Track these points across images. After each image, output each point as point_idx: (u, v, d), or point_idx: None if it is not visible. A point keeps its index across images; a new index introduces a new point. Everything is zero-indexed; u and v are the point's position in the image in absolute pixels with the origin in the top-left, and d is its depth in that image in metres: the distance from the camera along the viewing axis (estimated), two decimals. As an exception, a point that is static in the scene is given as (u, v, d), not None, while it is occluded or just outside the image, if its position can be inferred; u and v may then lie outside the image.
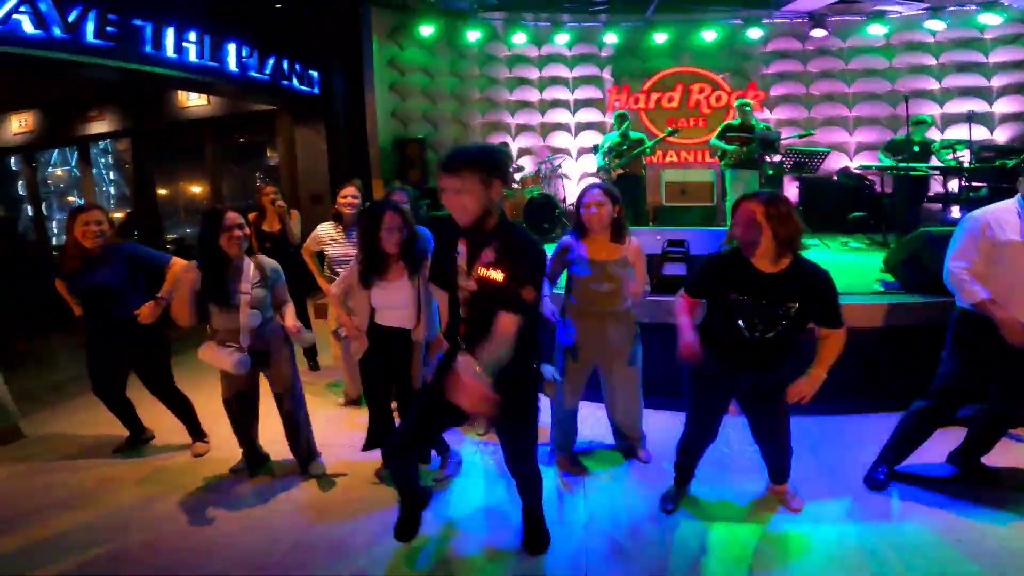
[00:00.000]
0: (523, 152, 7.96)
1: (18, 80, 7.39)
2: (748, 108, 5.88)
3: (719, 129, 5.98)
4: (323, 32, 7.35)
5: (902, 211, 5.31)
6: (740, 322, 2.12)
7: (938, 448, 2.76)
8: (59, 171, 10.17)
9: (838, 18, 7.13)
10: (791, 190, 6.42)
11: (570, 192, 7.82)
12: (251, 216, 4.39)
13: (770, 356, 2.18)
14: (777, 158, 5.79)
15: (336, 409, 3.73)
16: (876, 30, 7.01)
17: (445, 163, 1.77)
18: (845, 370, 3.22)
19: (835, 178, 6.83)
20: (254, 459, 3.00)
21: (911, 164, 5.18)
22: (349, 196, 3.48)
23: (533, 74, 7.94)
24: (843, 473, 2.79)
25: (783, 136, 5.64)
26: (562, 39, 7.62)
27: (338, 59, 7.47)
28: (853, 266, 4.46)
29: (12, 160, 10.18)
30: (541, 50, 7.84)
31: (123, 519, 2.61)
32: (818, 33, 7.10)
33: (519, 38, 7.56)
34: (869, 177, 6.59)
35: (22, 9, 3.87)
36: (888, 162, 5.49)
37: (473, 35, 7.41)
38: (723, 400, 2.39)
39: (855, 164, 7.01)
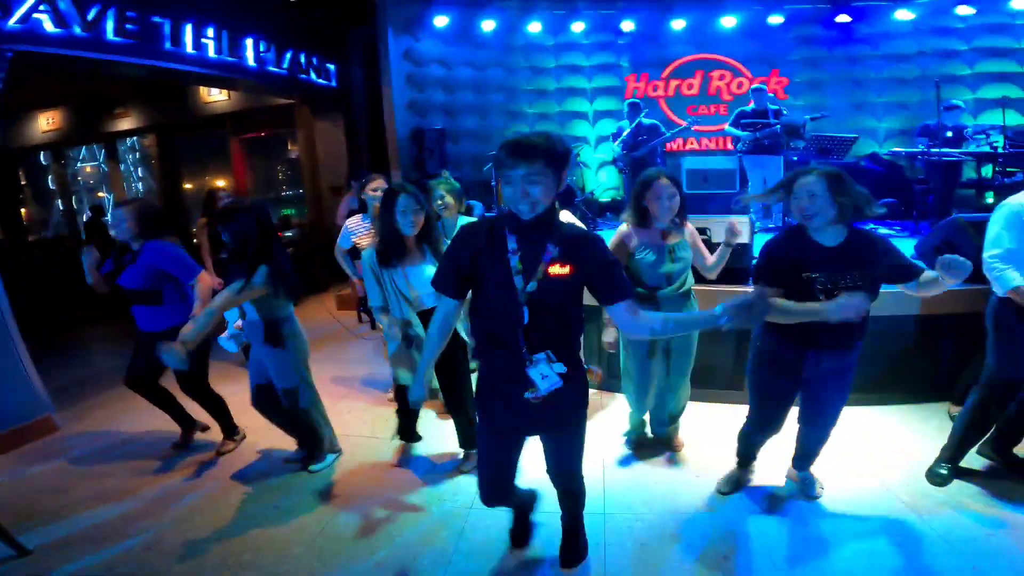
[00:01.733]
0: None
1: (44, 79, 7.52)
2: (763, 93, 5.72)
3: (733, 115, 5.85)
4: (339, 25, 7.34)
5: (935, 198, 5.14)
6: (821, 296, 2.06)
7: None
8: (88, 167, 10.41)
9: (863, 3, 6.87)
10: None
11: (589, 181, 7.72)
12: (202, 221, 4.41)
13: (847, 331, 2.10)
14: (801, 144, 5.63)
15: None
16: (903, 15, 6.76)
17: (522, 149, 1.58)
18: (876, 360, 3.12)
19: (863, 164, 6.62)
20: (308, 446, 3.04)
21: (943, 150, 5.02)
22: (380, 190, 3.48)
23: (550, 63, 7.82)
24: (859, 464, 2.79)
25: (786, 119, 5.47)
26: (578, 27, 7.47)
27: (354, 52, 7.47)
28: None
29: (41, 156, 10.44)
30: (557, 39, 7.71)
31: (158, 510, 2.69)
32: (842, 19, 6.88)
33: (535, 27, 7.43)
34: (899, 163, 6.38)
35: (41, 8, 3.87)
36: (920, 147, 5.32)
37: (488, 25, 7.31)
38: (791, 387, 2.32)
39: (884, 150, 6.78)
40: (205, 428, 3.43)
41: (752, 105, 5.74)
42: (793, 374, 2.28)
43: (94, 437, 3.48)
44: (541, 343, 1.71)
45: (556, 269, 1.67)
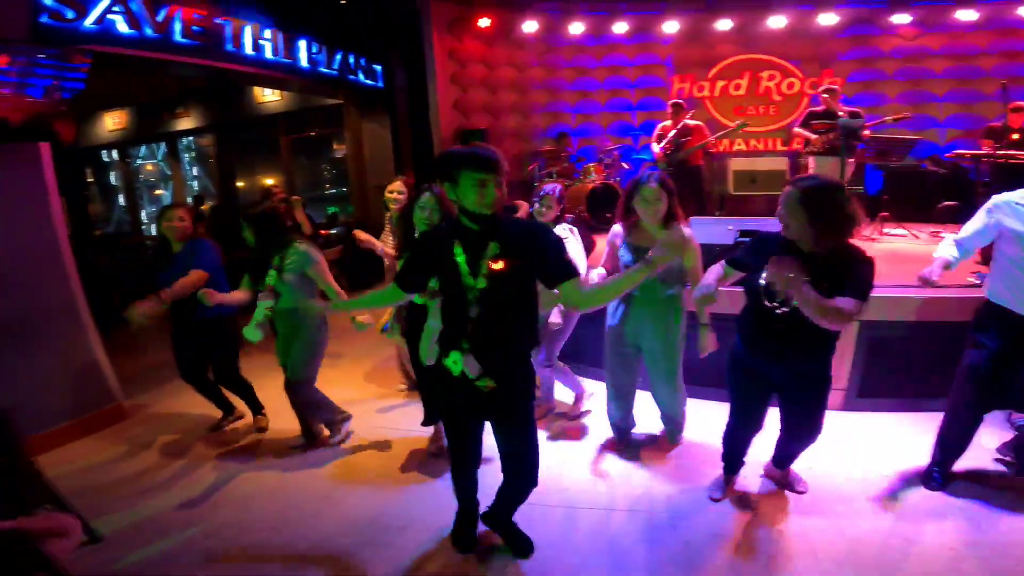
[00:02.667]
0: (584, 142, 7.87)
1: (112, 80, 7.96)
2: (830, 95, 5.56)
3: (804, 116, 5.70)
4: (385, 26, 7.52)
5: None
6: (763, 295, 2.08)
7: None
8: (148, 165, 10.94)
9: (923, 4, 6.60)
10: (876, 178, 6.04)
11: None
12: None
13: (796, 341, 2.06)
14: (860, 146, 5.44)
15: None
16: (966, 15, 6.45)
17: (492, 160, 1.79)
18: (943, 365, 3.03)
19: (924, 166, 6.35)
20: (307, 434, 3.22)
21: (1009, 152, 4.78)
22: (395, 192, 3.56)
23: (592, 63, 7.82)
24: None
25: (869, 123, 5.28)
26: (621, 28, 7.44)
27: (400, 53, 7.63)
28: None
29: (104, 154, 11.04)
30: (600, 39, 7.69)
31: (215, 498, 2.80)
32: (900, 19, 6.61)
33: (576, 28, 7.44)
34: (962, 165, 6.09)
35: (115, 9, 4.07)
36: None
37: (530, 26, 7.36)
38: (760, 390, 2.33)
39: (946, 152, 6.50)
40: (240, 416, 3.62)
41: (823, 106, 5.58)
42: (758, 379, 2.30)
43: (160, 425, 3.65)
44: (486, 338, 1.85)
45: (498, 266, 1.81)
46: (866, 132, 5.15)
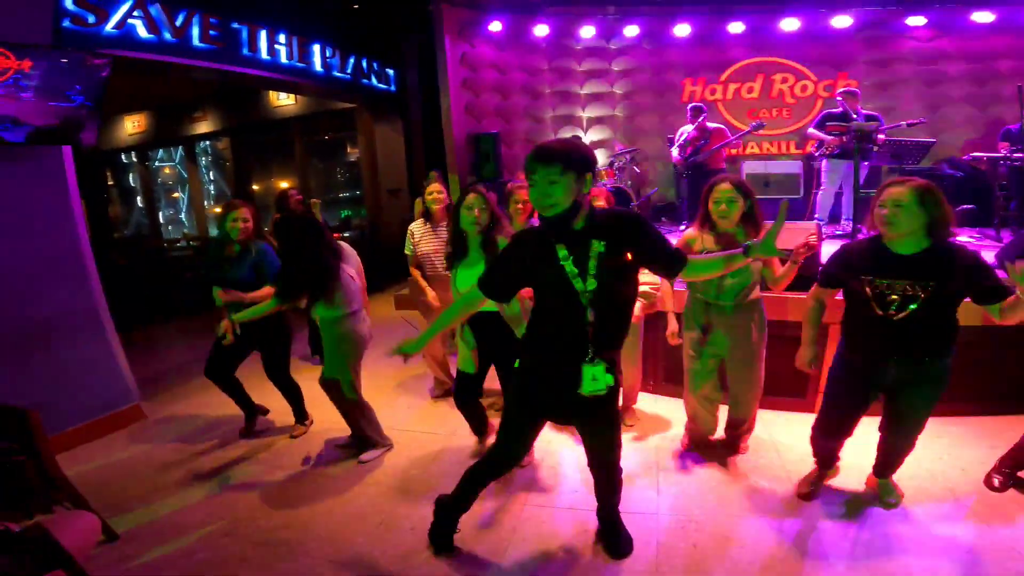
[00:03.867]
0: (596, 145, 7.86)
1: (132, 84, 8.10)
2: (847, 97, 5.50)
3: (819, 117, 5.65)
4: (397, 31, 7.58)
5: (1017, 204, 4.83)
6: (873, 302, 2.06)
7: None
8: (166, 168, 11.10)
9: (938, 5, 6.51)
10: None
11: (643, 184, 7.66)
12: (276, 218, 4.57)
13: (913, 341, 2.05)
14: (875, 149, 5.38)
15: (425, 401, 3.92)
16: (982, 17, 6.36)
17: (542, 154, 1.69)
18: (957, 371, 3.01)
19: (942, 169, 6.27)
20: (356, 438, 3.18)
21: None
22: (435, 192, 3.53)
23: (604, 67, 7.81)
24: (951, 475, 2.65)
25: (882, 126, 5.21)
26: (632, 31, 7.43)
27: (412, 57, 7.70)
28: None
29: (123, 157, 11.22)
30: (611, 43, 7.69)
31: (234, 497, 2.83)
32: (915, 21, 6.54)
33: (588, 31, 7.43)
34: (980, 168, 6.00)
35: (135, 14, 4.16)
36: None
37: (541, 30, 7.37)
38: (861, 395, 2.28)
39: (963, 154, 6.40)
40: (266, 412, 3.66)
41: (840, 108, 5.52)
42: (865, 383, 2.24)
43: (177, 425, 3.71)
44: (605, 341, 1.79)
45: (611, 262, 1.74)
46: (880, 136, 5.10)
